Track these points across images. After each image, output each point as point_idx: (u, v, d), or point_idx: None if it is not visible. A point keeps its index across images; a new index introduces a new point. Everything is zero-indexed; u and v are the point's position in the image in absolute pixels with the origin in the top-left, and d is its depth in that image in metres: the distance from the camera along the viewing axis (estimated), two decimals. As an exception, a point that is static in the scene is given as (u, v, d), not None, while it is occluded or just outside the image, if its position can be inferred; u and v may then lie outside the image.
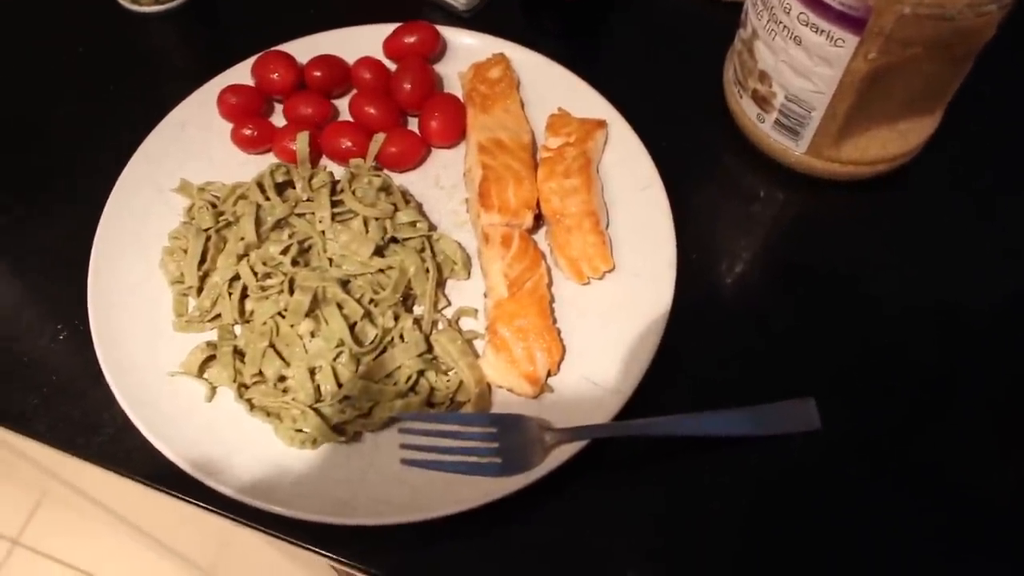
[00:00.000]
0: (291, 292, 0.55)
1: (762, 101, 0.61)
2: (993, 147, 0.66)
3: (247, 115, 0.65)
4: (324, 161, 0.64)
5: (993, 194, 0.64)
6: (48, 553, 1.31)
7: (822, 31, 0.53)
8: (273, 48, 0.67)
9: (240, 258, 0.57)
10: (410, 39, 0.66)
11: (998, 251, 0.62)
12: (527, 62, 0.67)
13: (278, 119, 0.66)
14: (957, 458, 0.54)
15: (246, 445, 0.52)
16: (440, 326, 0.56)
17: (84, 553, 1.31)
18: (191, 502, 0.52)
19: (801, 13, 0.54)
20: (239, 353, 0.55)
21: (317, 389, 0.53)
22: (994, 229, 0.63)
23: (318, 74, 0.65)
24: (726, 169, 0.66)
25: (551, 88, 0.66)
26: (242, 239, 0.57)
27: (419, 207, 0.61)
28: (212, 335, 0.56)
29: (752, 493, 0.52)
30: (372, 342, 0.54)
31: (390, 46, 0.67)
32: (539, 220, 0.60)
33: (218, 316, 0.56)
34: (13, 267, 0.62)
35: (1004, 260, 0.61)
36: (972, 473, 0.53)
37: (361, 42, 0.67)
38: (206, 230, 0.58)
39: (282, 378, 0.53)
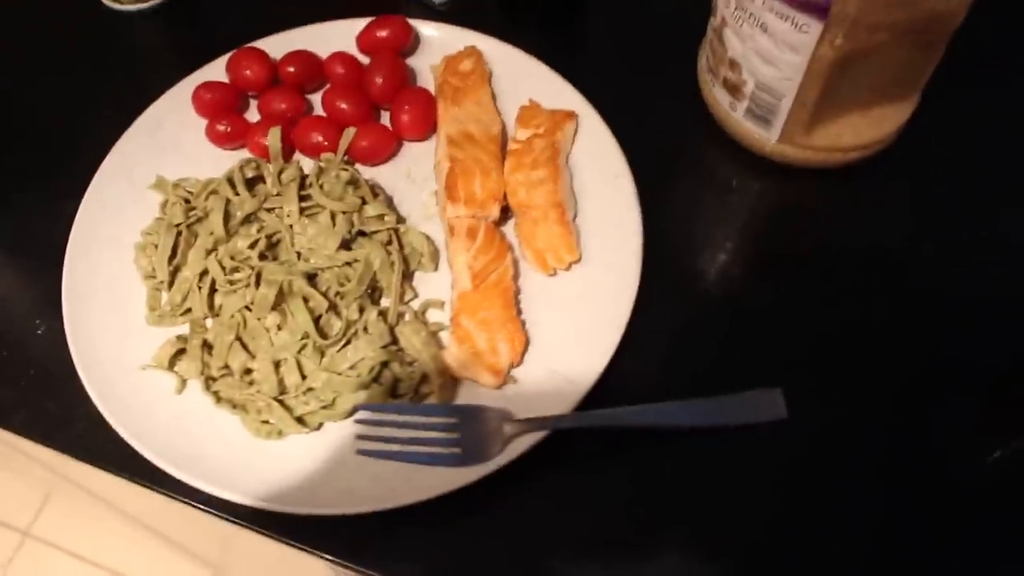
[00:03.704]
0: (258, 286, 0.55)
1: (733, 89, 0.61)
2: (970, 133, 0.65)
3: (222, 111, 0.65)
4: (298, 156, 0.65)
5: (970, 180, 0.63)
6: (58, 545, 1.34)
7: (787, 17, 0.53)
8: (247, 44, 0.67)
9: (209, 253, 0.57)
10: (382, 33, 0.67)
11: (975, 237, 0.61)
12: (499, 54, 0.66)
13: (253, 115, 0.67)
14: (927, 446, 0.53)
15: (214, 437, 0.53)
16: (407, 318, 0.57)
17: (93, 545, 1.34)
18: (163, 493, 0.53)
19: (765, -1, 0.53)
20: (208, 346, 0.55)
21: (281, 382, 0.53)
22: (971, 215, 0.62)
23: (291, 69, 0.66)
24: (701, 158, 0.65)
25: (523, 80, 0.65)
26: (211, 234, 0.58)
27: (388, 200, 0.61)
28: (184, 329, 0.57)
29: (717, 482, 0.52)
30: (336, 334, 0.54)
31: (363, 41, 0.67)
32: (507, 212, 0.60)
33: (189, 310, 0.57)
34: (-8, 262, 0.64)
35: (981, 247, 0.60)
36: (943, 460, 0.52)
37: (334, 37, 0.68)
38: (177, 225, 0.58)
39: (248, 371, 0.54)
